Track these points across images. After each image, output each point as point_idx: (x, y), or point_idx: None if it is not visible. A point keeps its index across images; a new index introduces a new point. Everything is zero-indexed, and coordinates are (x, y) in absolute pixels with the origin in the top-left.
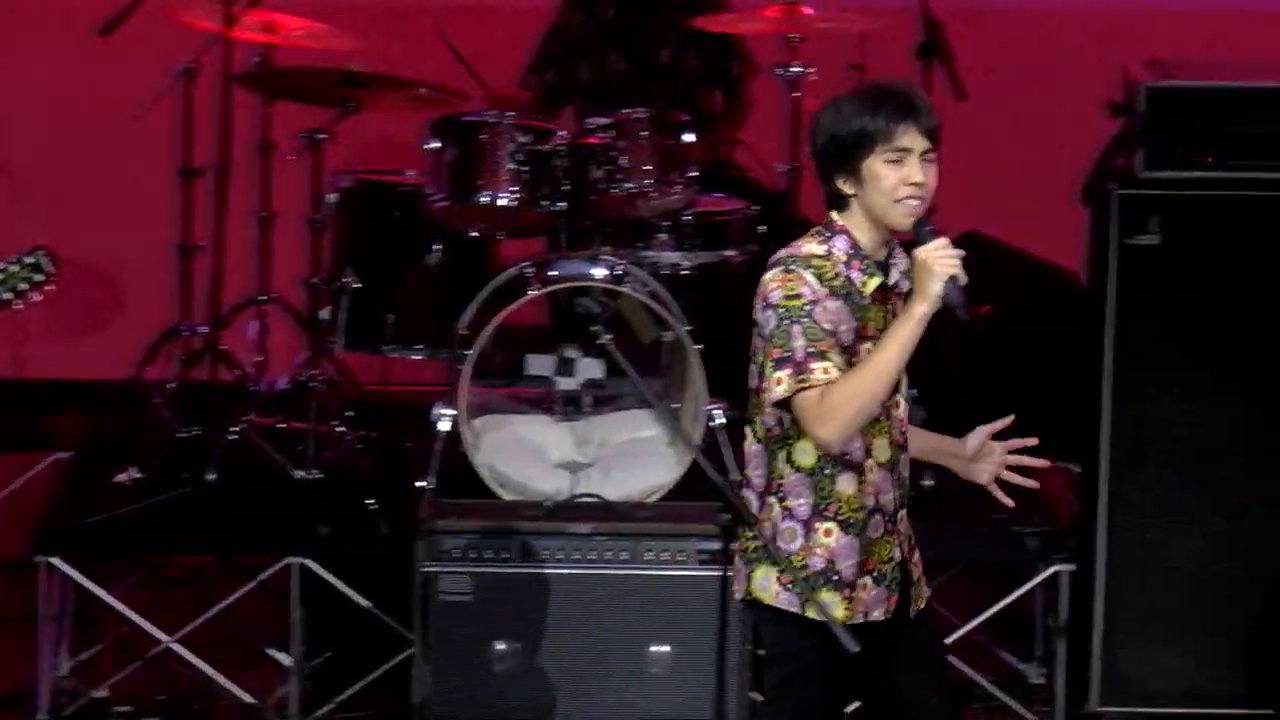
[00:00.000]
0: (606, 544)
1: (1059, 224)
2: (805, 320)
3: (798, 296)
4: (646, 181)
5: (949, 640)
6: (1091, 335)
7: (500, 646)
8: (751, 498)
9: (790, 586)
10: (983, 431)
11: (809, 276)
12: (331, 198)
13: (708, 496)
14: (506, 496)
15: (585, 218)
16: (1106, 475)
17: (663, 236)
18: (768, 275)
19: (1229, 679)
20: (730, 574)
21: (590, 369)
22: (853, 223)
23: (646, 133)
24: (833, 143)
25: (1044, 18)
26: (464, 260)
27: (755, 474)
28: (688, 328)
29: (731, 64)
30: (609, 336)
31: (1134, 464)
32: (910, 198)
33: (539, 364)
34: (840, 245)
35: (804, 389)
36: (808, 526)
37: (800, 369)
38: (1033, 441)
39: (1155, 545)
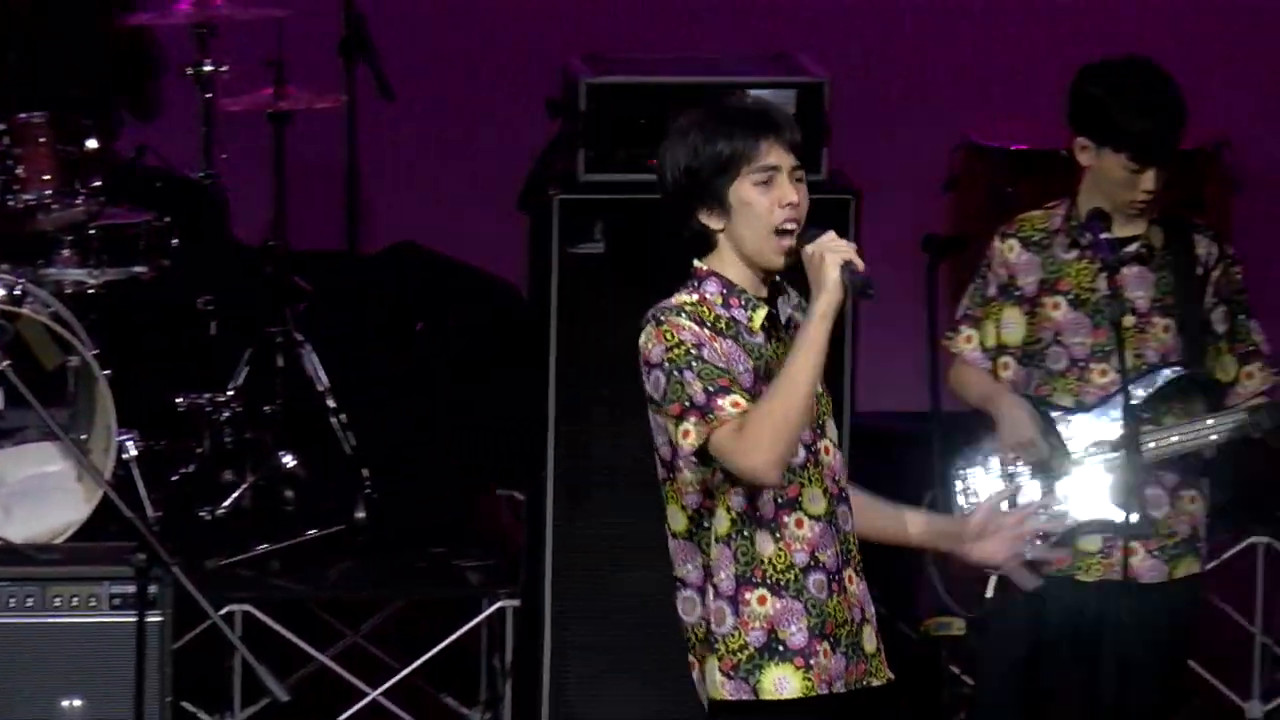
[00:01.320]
0: (9, 590)
1: (502, 232)
2: (696, 363)
3: (680, 344)
4: (46, 192)
5: (386, 686)
6: (534, 351)
7: None
8: (694, 601)
9: (734, 673)
10: (988, 505)
11: (684, 321)
12: None
13: (121, 536)
14: None
15: None
16: (552, 504)
17: (66, 252)
18: (642, 337)
19: (680, 711)
20: (161, 619)
21: None
22: (722, 264)
23: (45, 138)
24: (687, 175)
25: (482, 9)
26: None
27: (690, 569)
28: (95, 352)
29: (137, 62)
30: (7, 362)
31: (580, 490)
32: (788, 221)
33: None
34: (711, 288)
35: (715, 428)
36: (735, 600)
37: (705, 410)
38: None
39: (602, 576)
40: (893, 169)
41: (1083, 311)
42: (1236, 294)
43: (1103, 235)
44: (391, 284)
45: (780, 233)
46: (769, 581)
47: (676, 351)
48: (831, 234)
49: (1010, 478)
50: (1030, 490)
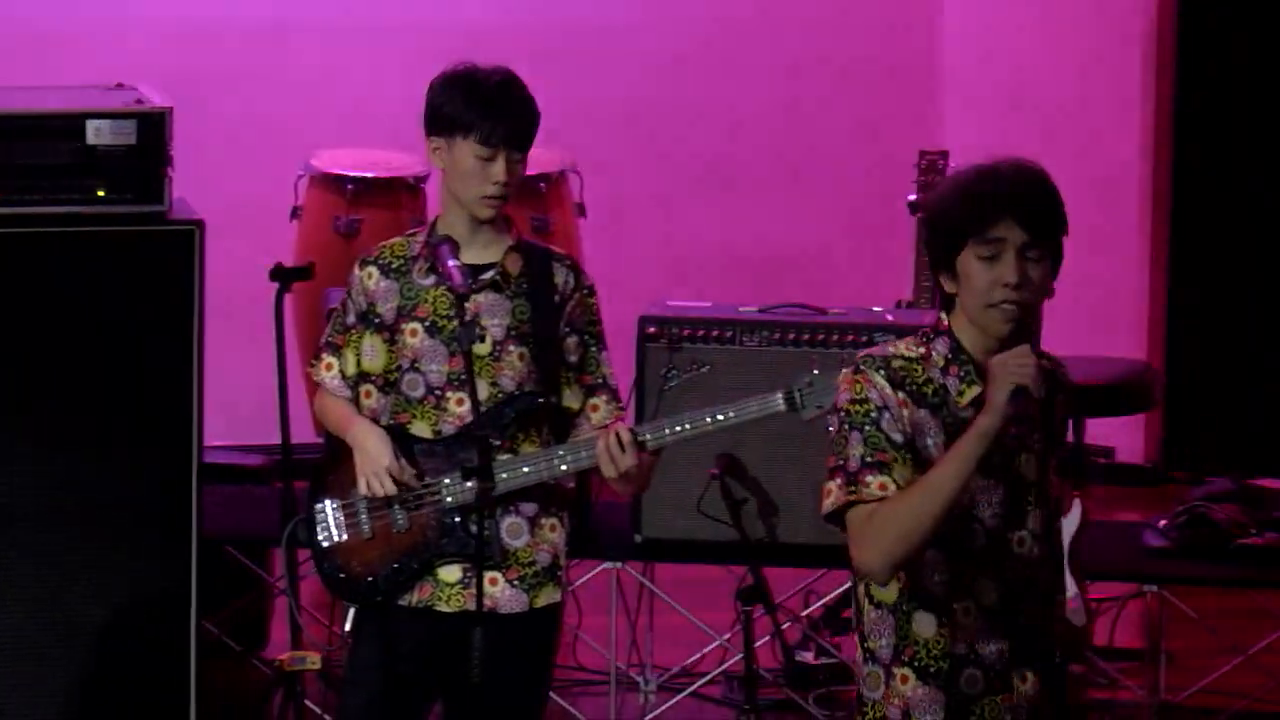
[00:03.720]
0: None
1: None
2: (869, 427)
3: (865, 401)
4: None
5: None
6: None
7: None
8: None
9: None
10: None
11: (879, 379)
12: None
13: None
14: None
15: None
16: None
17: None
18: (839, 376)
19: None
20: None
21: None
22: (959, 324)
23: None
24: (931, 234)
25: None
26: None
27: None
28: None
29: None
30: None
31: None
32: (1006, 302)
33: None
34: (940, 348)
35: (854, 501)
36: (888, 671)
37: (852, 479)
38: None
39: None
40: (239, 198)
41: (439, 339)
42: (589, 325)
43: (451, 262)
44: None
45: (996, 306)
46: (916, 664)
47: (857, 407)
48: (1024, 348)
49: (360, 508)
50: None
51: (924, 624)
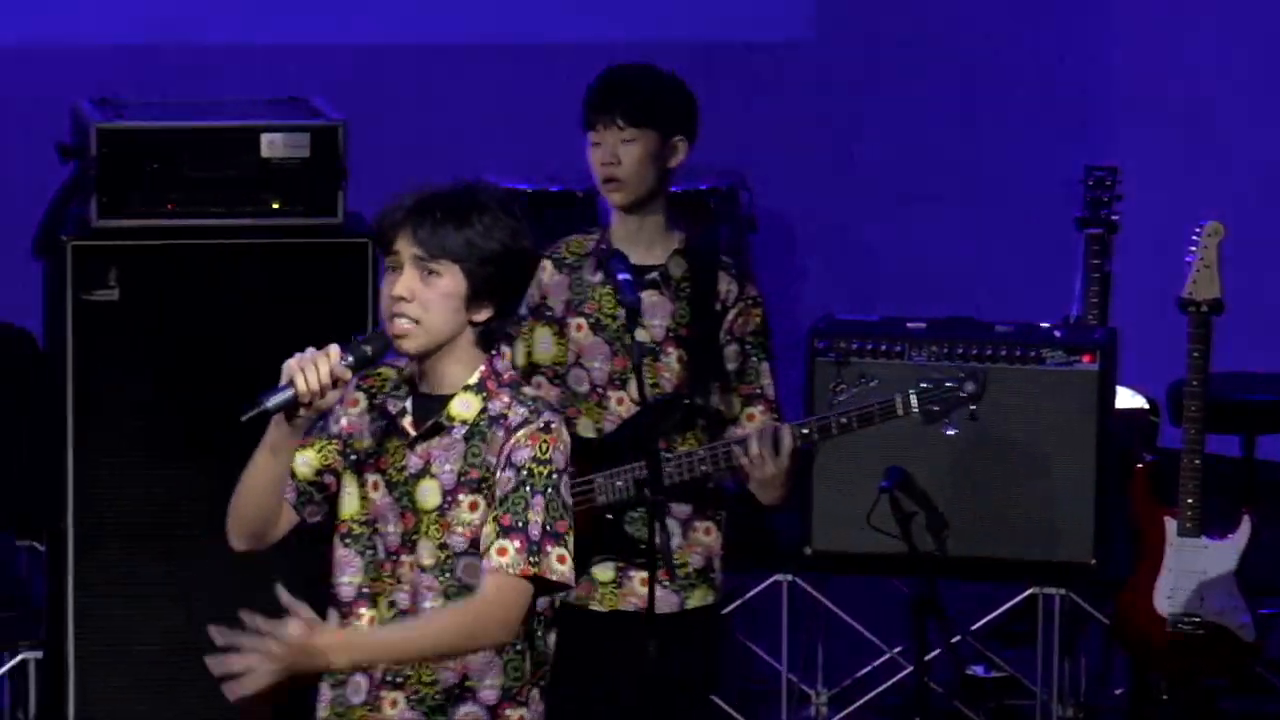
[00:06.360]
0: None
1: (19, 279)
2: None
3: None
4: None
5: None
6: (51, 400)
7: None
8: None
9: None
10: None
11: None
12: None
13: None
14: None
15: None
16: (73, 553)
17: None
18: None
19: None
20: None
21: None
22: None
23: None
24: None
25: None
26: None
27: None
28: None
29: None
30: None
31: (100, 538)
32: (393, 316)
33: None
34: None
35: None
36: None
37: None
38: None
39: (126, 623)
40: None
41: (603, 336)
42: (752, 335)
43: (622, 276)
44: None
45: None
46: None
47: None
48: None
49: None
50: None
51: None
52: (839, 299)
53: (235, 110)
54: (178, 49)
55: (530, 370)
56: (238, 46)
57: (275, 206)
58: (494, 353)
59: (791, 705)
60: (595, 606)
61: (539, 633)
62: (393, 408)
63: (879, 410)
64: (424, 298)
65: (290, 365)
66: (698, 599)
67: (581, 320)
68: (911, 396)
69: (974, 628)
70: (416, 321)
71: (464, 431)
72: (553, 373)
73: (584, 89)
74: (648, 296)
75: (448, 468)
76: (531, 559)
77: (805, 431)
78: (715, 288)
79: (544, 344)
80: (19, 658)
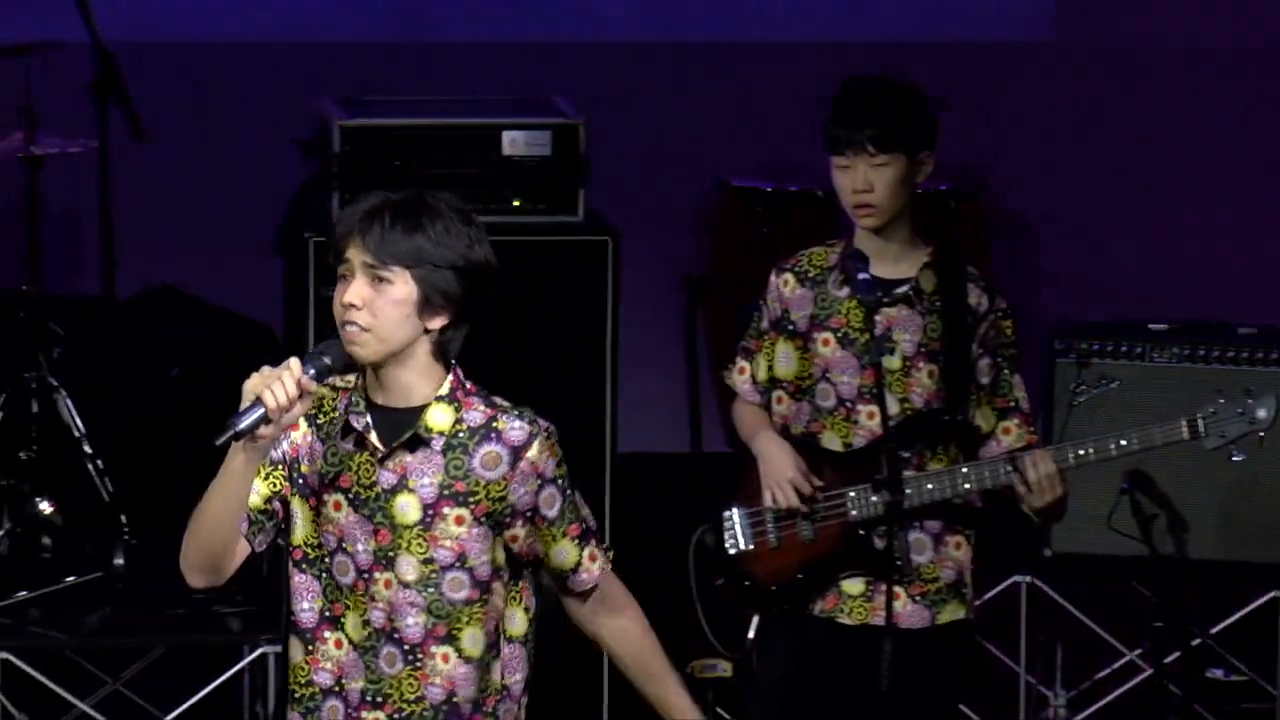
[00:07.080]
0: None
1: (259, 275)
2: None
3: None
4: None
5: None
6: None
7: None
8: None
9: None
10: None
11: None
12: None
13: None
14: None
15: None
16: None
17: None
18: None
19: None
20: None
21: None
22: None
23: None
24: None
25: (238, 51)
26: None
27: None
28: None
29: None
30: None
31: None
32: (344, 323)
33: None
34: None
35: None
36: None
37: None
38: None
39: None
40: (650, 210)
41: (851, 351)
42: (1003, 348)
43: (861, 275)
44: (148, 328)
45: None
46: (295, 695)
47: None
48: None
49: (766, 518)
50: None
51: (295, 649)
52: (1077, 301)
53: (476, 108)
54: (415, 46)
55: (771, 384)
56: (477, 45)
57: (515, 204)
58: (454, 362)
59: (1029, 707)
60: (844, 620)
61: (531, 639)
62: (357, 423)
63: (1162, 435)
64: (375, 305)
65: (251, 385)
66: (949, 614)
67: (829, 335)
68: (1200, 423)
69: (1214, 631)
70: (367, 329)
71: (441, 444)
72: (795, 387)
73: (819, 86)
74: (898, 311)
75: (426, 481)
76: (606, 551)
77: (1082, 453)
78: (965, 301)
79: (785, 358)
80: (259, 651)
